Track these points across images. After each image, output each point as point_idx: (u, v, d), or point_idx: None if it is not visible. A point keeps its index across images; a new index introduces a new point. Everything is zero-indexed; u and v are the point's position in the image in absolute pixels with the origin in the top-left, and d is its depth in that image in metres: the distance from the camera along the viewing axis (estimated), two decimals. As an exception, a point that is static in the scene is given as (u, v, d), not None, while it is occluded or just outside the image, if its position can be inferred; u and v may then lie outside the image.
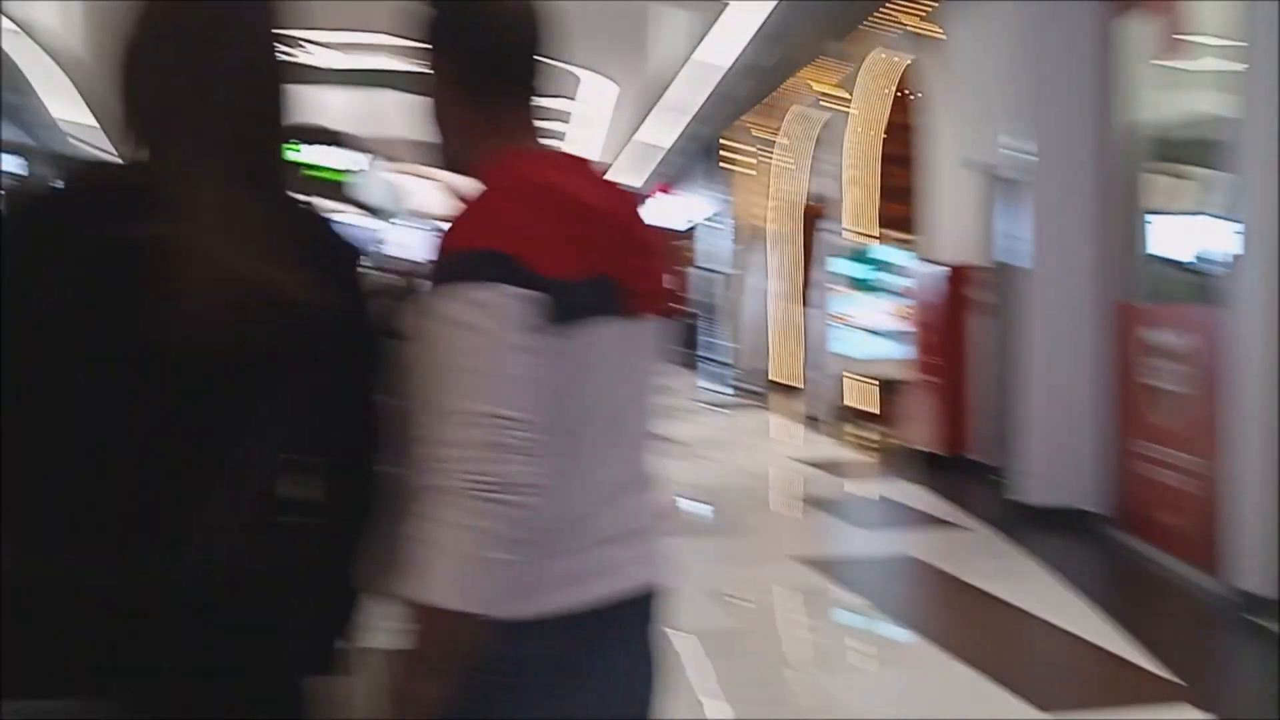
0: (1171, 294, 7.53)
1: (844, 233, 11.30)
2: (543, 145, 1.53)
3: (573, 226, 1.39)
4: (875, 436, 9.79)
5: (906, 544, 5.81)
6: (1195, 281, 8.08)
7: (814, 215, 14.33)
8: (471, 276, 1.30)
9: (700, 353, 20.34)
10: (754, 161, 16.24)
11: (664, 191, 25.11)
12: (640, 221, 1.54)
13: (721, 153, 18.61)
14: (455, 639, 1.25)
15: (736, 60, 14.04)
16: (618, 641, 1.45)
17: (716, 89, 15.04)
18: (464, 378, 1.28)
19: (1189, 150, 7.52)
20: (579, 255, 1.38)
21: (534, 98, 1.53)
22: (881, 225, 11.40)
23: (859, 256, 9.97)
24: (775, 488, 7.72)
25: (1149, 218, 6.16)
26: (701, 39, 14.56)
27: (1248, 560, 4.52)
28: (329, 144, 9.60)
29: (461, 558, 1.24)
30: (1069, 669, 3.99)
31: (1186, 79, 6.72)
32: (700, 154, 19.34)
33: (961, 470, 7.97)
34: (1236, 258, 4.81)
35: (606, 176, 1.57)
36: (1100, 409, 6.13)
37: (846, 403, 11.00)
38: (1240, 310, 4.70)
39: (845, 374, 10.32)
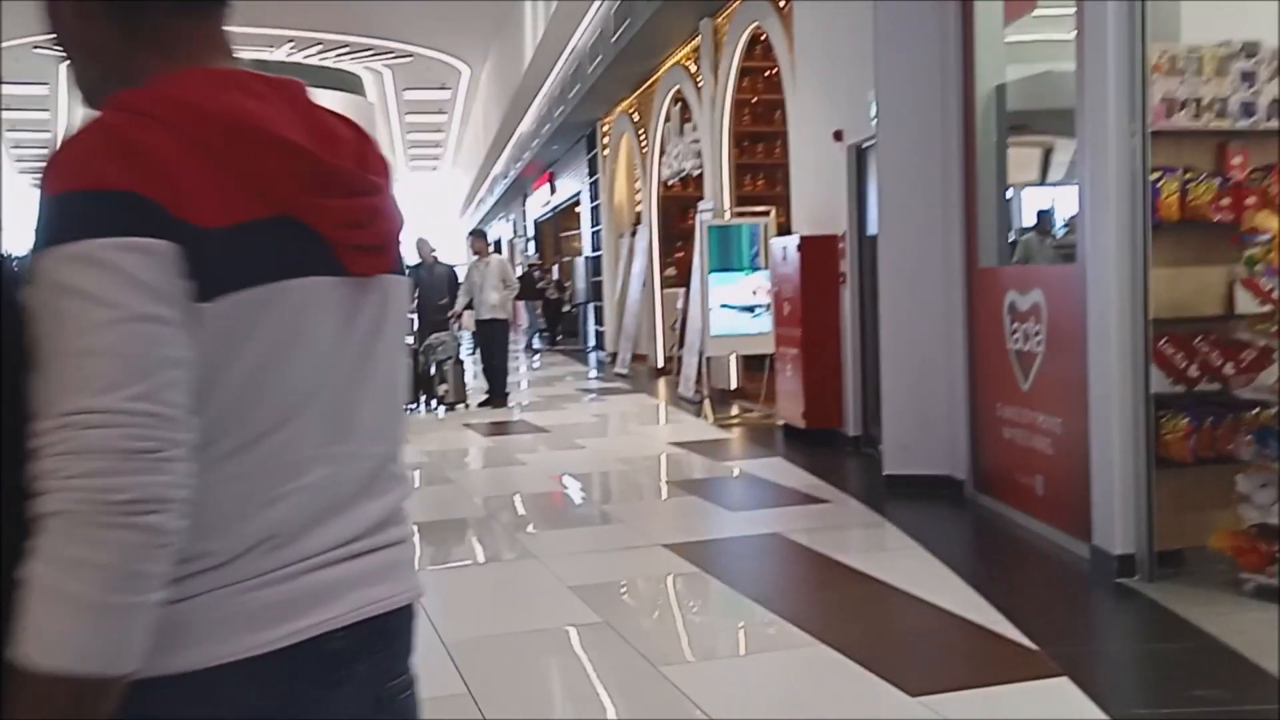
0: (1029, 258, 7.60)
1: (710, 211, 11.14)
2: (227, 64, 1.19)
3: (248, 160, 1.06)
4: (746, 414, 9.66)
5: (774, 523, 5.63)
6: (1051, 244, 8.18)
7: (682, 195, 14.20)
8: (87, 228, 0.97)
9: (585, 340, 20.09)
10: (627, 145, 16.01)
11: (546, 179, 24.77)
12: (365, 159, 1.22)
13: (597, 137, 18.34)
14: (69, 710, 0.92)
15: (594, 39, 13.77)
16: (347, 686, 1.13)
17: (582, 71, 14.74)
18: (81, 363, 0.95)
19: (1042, 119, 7.59)
20: (255, 197, 1.05)
21: (210, 5, 1.18)
22: (747, 202, 11.29)
23: (724, 234, 9.79)
24: (645, 473, 7.48)
25: (1007, 184, 6.09)
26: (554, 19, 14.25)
27: (1116, 523, 4.45)
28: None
29: (76, 603, 0.91)
30: (939, 648, 3.83)
31: (1038, 49, 6.73)
32: (576, 139, 19.02)
33: (830, 444, 7.87)
34: (1079, 215, 4.75)
35: (328, 107, 1.24)
36: (961, 375, 6.04)
37: (717, 382, 10.85)
38: (1090, 265, 4.63)
39: (715, 353, 10.16)
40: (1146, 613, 4.08)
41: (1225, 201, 4.47)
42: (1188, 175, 4.46)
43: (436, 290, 11.74)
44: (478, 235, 11.40)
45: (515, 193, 28.09)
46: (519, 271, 21.24)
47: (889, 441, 6.38)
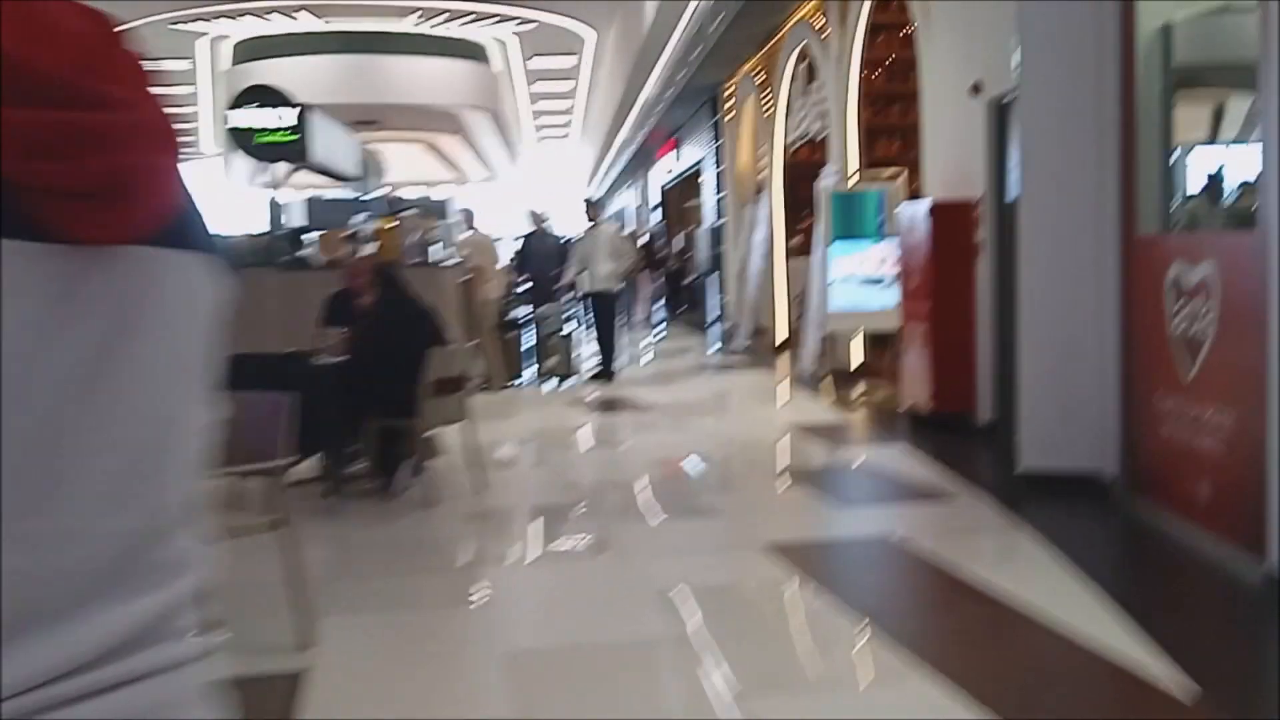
0: (1197, 225, 6.72)
1: (837, 176, 10.45)
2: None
3: None
4: (870, 395, 8.99)
5: (891, 522, 5.03)
6: (1223, 210, 7.26)
7: (809, 160, 13.47)
8: None
9: (707, 312, 19.55)
10: (751, 108, 15.34)
11: (671, 146, 24.24)
12: (95, 61, 0.73)
13: (709, 100, 17.73)
14: None
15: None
16: None
17: (704, 32, 14.13)
18: None
19: (1214, 73, 6.68)
20: None
21: None
22: (879, 166, 10.55)
23: (847, 200, 9.11)
24: (754, 459, 6.94)
25: (1173, 143, 5.28)
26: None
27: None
28: (265, 104, 8.78)
29: None
30: (1077, 690, 3.20)
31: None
32: (700, 104, 18.44)
33: (960, 431, 7.17)
34: (1262, 171, 3.98)
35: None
36: (1113, 359, 5.30)
37: (841, 360, 10.19)
38: (1273, 232, 3.87)
39: (836, 328, 9.50)
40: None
41: None
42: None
43: (548, 260, 11.37)
44: (589, 203, 10.96)
45: (641, 161, 27.67)
46: (641, 242, 20.83)
47: (1027, 432, 5.68)
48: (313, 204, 14.07)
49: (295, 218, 12.42)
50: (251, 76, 21.77)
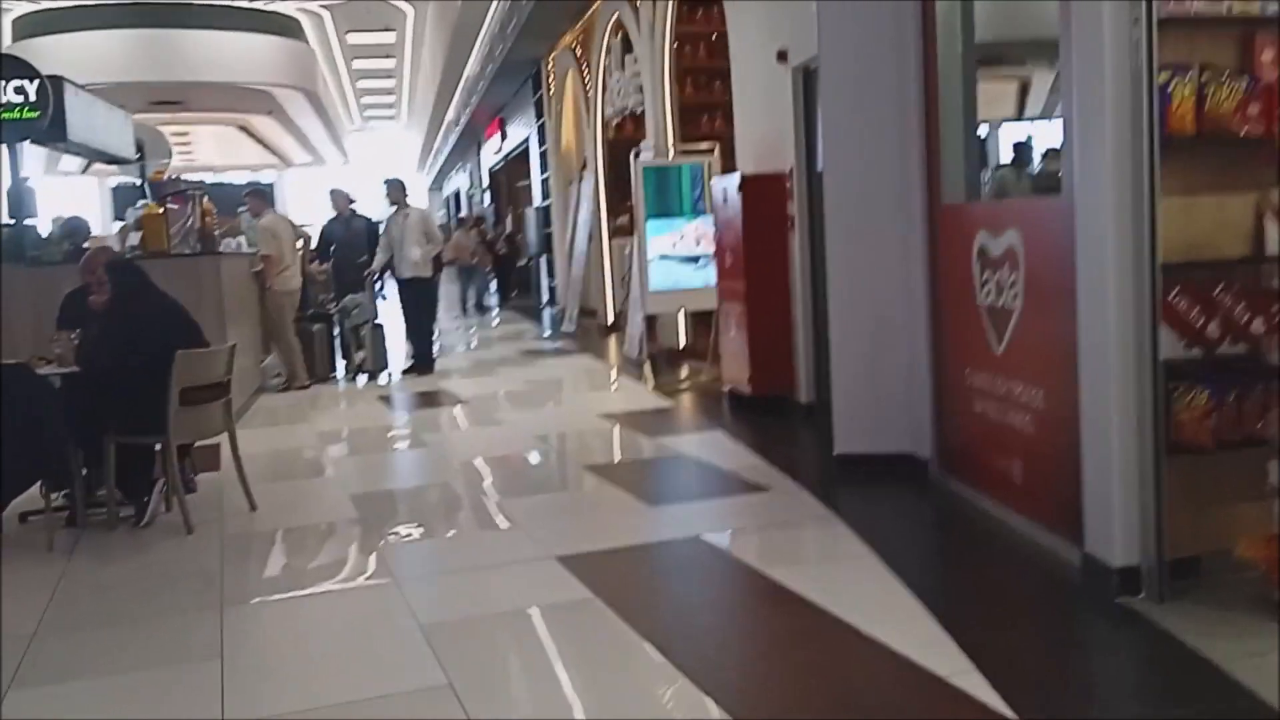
0: (1004, 195, 6.55)
1: (652, 152, 10.05)
2: None
3: None
4: (693, 379, 8.64)
5: (701, 521, 4.63)
6: (1030, 178, 7.14)
7: (632, 137, 13.04)
8: None
9: (537, 296, 18.98)
10: (572, 83, 14.81)
11: (497, 125, 23.46)
12: None
13: (531, 77, 17.14)
14: None
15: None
16: None
17: (519, 2, 13.50)
18: None
19: (1017, 49, 6.53)
20: None
21: None
22: (691, 140, 10.20)
23: (662, 175, 8.71)
24: (564, 454, 6.46)
25: (977, 114, 5.01)
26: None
27: (1115, 525, 3.47)
28: (3, 77, 7.70)
29: None
30: (875, 704, 2.83)
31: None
32: (523, 80, 17.78)
33: (781, 413, 6.87)
34: (1066, 133, 3.71)
35: None
36: (923, 335, 5.03)
37: (665, 341, 9.82)
38: (1080, 196, 3.60)
39: (654, 310, 9.11)
40: (1155, 648, 3.11)
41: (1254, 109, 3.44)
42: (1205, 76, 3.42)
43: (354, 247, 10.60)
44: (394, 184, 10.24)
45: (469, 141, 26.82)
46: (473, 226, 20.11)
47: (840, 415, 5.38)
48: (118, 192, 12.81)
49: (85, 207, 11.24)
50: (35, 54, 19.93)
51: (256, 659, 3.41)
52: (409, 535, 4.74)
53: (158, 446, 4.99)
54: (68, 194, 24.29)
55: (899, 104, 5.07)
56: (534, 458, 6.36)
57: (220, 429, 5.23)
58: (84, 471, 5.04)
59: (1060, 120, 3.84)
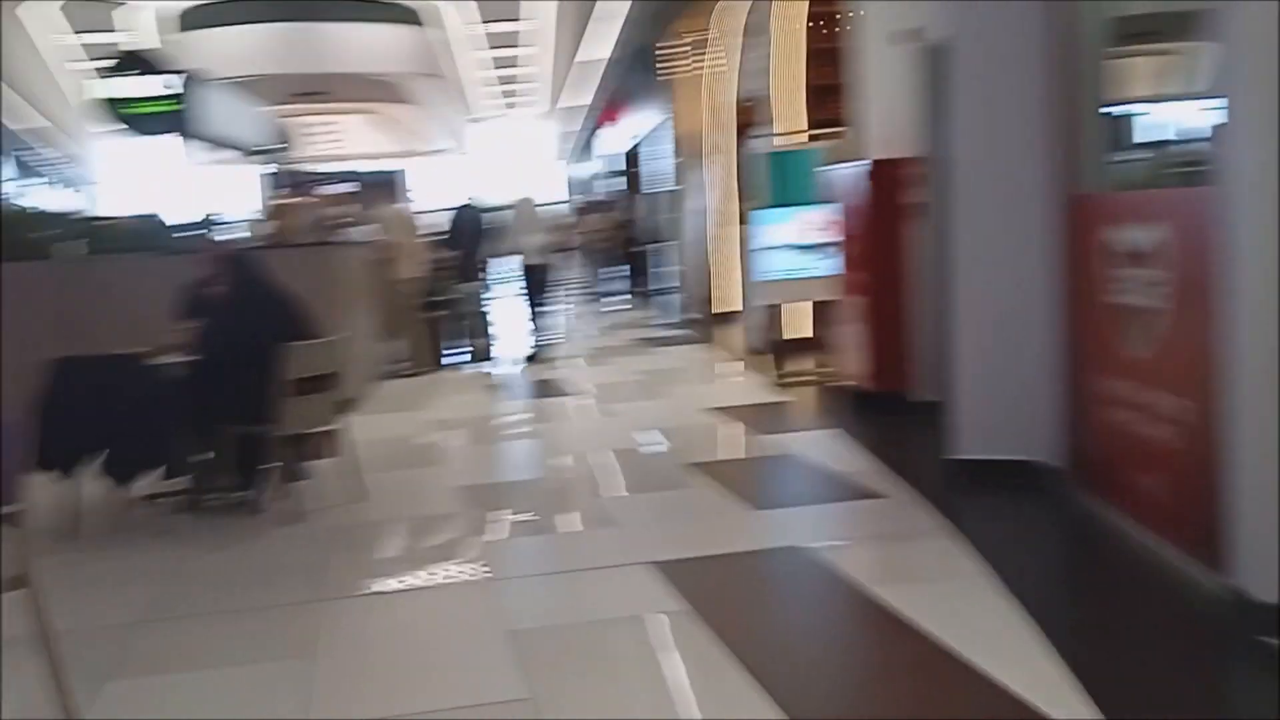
0: (1147, 183, 6.10)
1: (773, 137, 9.79)
2: None
3: None
4: (811, 372, 8.38)
5: (808, 530, 4.42)
6: (1172, 168, 6.63)
7: (747, 121, 12.77)
8: None
9: (652, 284, 18.88)
10: (689, 67, 14.60)
11: (611, 117, 23.45)
12: None
13: (659, 61, 16.97)
14: None
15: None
16: None
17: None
18: None
19: (1159, 23, 6.04)
20: None
21: None
22: (817, 125, 9.88)
23: (781, 161, 8.45)
24: (671, 450, 6.30)
25: (1114, 94, 4.63)
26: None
27: (1264, 554, 3.13)
28: (140, 71, 7.97)
29: None
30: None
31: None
32: (640, 66, 17.65)
33: (900, 413, 6.57)
34: (1221, 127, 3.35)
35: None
36: (1053, 333, 4.69)
37: (780, 333, 9.57)
38: (1235, 187, 3.25)
39: (769, 300, 8.87)
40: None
41: None
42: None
43: (475, 235, 10.65)
44: (515, 172, 10.24)
45: (600, 127, 26.86)
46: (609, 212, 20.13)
47: (962, 417, 5.08)
48: (266, 181, 13.27)
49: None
50: (194, 48, 20.78)
51: (346, 659, 3.38)
52: (509, 532, 4.67)
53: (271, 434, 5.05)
54: (224, 182, 25.06)
55: (1033, 84, 4.74)
56: (640, 453, 6.23)
57: (331, 418, 5.27)
58: (207, 457, 5.15)
59: (1214, 101, 3.49)
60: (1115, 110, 4.53)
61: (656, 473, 5.74)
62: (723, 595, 3.79)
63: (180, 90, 8.18)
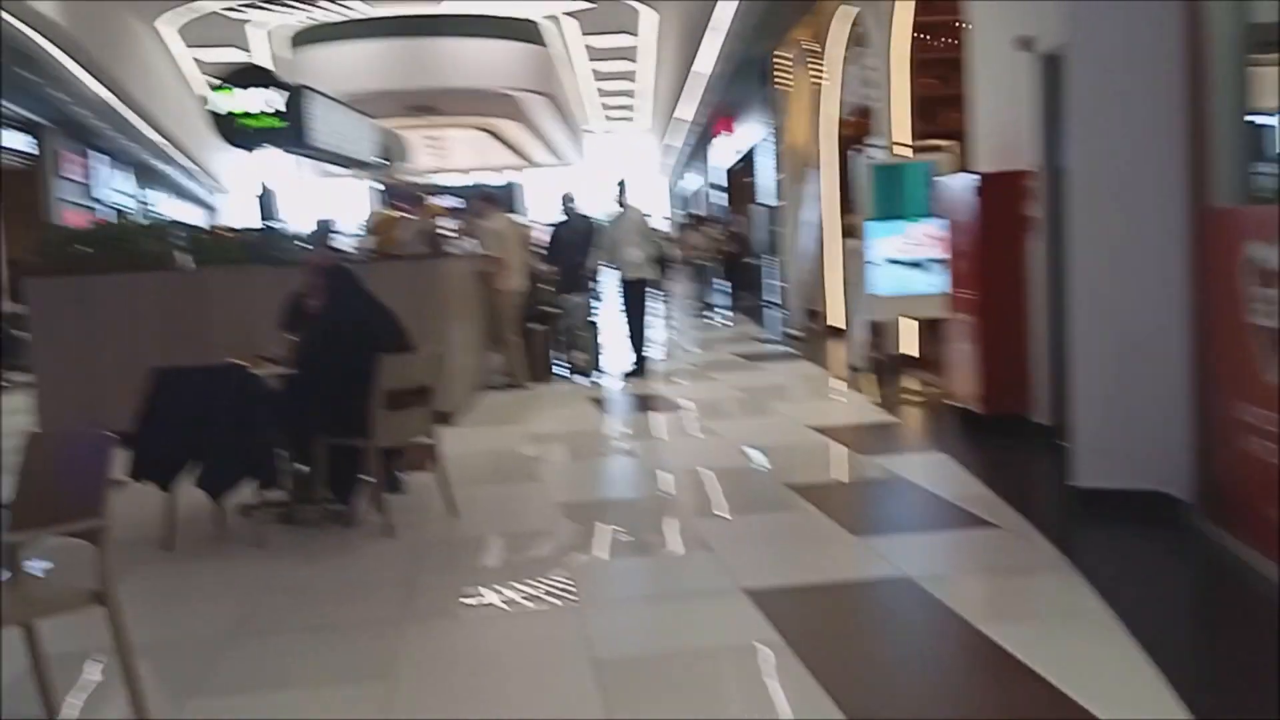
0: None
1: (882, 149, 9.51)
2: None
3: None
4: (918, 391, 8.08)
5: (914, 559, 4.19)
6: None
7: (857, 133, 12.50)
8: None
9: (755, 299, 18.65)
10: (801, 78, 14.38)
11: (716, 131, 23.30)
12: None
13: (773, 73, 16.77)
14: None
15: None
16: None
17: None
18: None
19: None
20: None
21: None
22: (925, 136, 9.57)
23: (889, 174, 8.19)
24: (771, 471, 6.11)
25: (1253, 103, 4.30)
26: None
27: None
28: (249, 85, 8.14)
29: None
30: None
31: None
32: (745, 80, 17.50)
33: (1015, 436, 6.25)
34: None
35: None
36: (1183, 355, 4.38)
37: (886, 350, 9.28)
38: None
39: (875, 316, 8.60)
40: None
41: None
42: None
43: (577, 248, 10.60)
44: (618, 185, 10.18)
45: (703, 140, 26.78)
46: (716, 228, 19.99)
47: (1082, 443, 4.77)
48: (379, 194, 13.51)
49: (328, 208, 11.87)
50: (310, 64, 21.39)
51: (425, 683, 3.30)
52: (601, 554, 4.55)
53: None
54: (339, 194, 25.46)
55: (1161, 93, 4.44)
56: (740, 473, 6.04)
57: (424, 432, 5.23)
58: (302, 470, 5.17)
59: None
60: (1258, 119, 4.19)
61: (756, 494, 5.56)
62: (820, 628, 3.60)
63: (286, 105, 8.31)
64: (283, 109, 8.15)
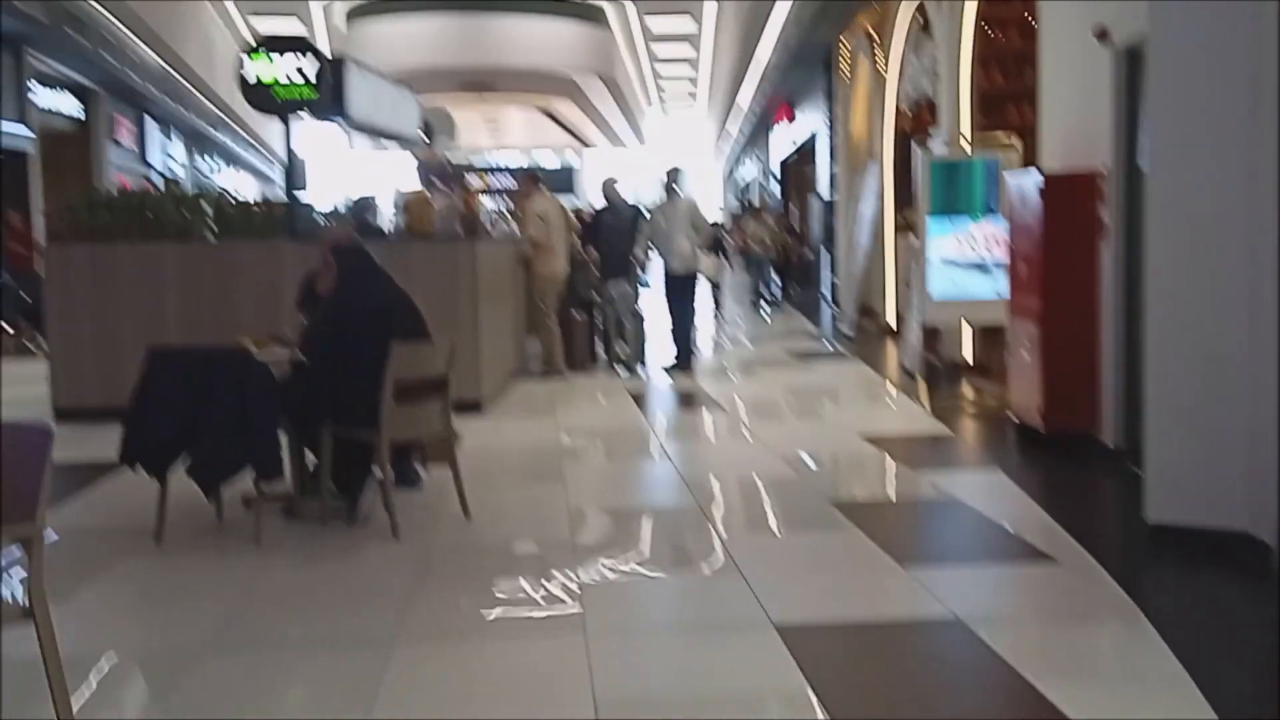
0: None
1: (945, 144, 9.02)
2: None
3: None
4: (974, 402, 7.61)
5: (963, 596, 3.76)
6: None
7: (920, 127, 11.96)
8: None
9: (807, 294, 18.16)
10: (865, 69, 13.84)
11: (772, 122, 22.74)
12: None
13: (822, 66, 16.23)
14: None
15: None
16: None
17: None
18: None
19: None
20: None
21: None
22: (990, 131, 9.04)
23: (950, 171, 7.71)
24: (813, 485, 5.69)
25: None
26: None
27: None
28: (288, 52, 7.84)
29: None
30: None
31: None
32: (803, 70, 16.96)
33: (1079, 456, 5.79)
34: None
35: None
36: (1271, 384, 3.90)
37: (947, 355, 8.80)
38: None
39: (933, 319, 8.13)
40: None
41: None
42: None
43: (622, 234, 10.18)
44: (670, 171, 9.77)
45: (760, 129, 26.24)
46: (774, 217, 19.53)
47: (1156, 472, 4.31)
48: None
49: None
50: (364, 38, 21.18)
51: (407, 715, 2.95)
52: (619, 573, 4.17)
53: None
54: (391, 169, 25.14)
55: (1249, 91, 3.95)
56: (782, 486, 5.61)
57: (438, 428, 4.89)
58: (305, 462, 4.86)
59: None
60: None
61: (797, 510, 5.14)
62: (853, 676, 3.20)
63: (318, 74, 7.98)
64: (313, 79, 7.84)
